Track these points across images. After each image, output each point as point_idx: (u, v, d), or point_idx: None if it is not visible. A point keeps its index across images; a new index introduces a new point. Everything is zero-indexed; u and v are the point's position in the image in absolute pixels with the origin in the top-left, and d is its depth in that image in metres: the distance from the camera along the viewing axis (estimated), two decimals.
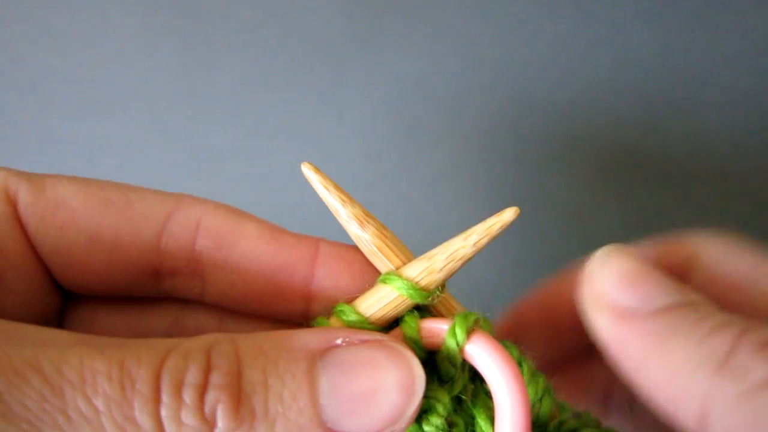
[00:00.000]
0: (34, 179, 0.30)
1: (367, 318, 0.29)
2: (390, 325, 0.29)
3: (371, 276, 0.30)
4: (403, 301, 0.29)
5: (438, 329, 0.28)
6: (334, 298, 0.30)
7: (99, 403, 0.22)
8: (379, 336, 0.27)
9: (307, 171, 0.30)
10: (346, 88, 0.68)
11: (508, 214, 0.28)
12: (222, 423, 0.23)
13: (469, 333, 0.28)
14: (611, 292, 0.29)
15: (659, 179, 0.73)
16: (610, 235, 0.72)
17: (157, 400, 0.22)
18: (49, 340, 0.23)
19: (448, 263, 0.28)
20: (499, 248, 0.70)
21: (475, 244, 0.28)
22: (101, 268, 0.30)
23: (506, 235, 0.76)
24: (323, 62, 0.68)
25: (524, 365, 0.29)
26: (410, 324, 0.28)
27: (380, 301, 0.29)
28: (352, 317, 0.29)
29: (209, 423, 0.23)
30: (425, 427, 0.27)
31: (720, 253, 0.32)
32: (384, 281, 0.29)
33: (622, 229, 0.73)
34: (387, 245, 0.29)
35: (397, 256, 0.29)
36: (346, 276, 0.31)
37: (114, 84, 0.66)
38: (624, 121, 0.72)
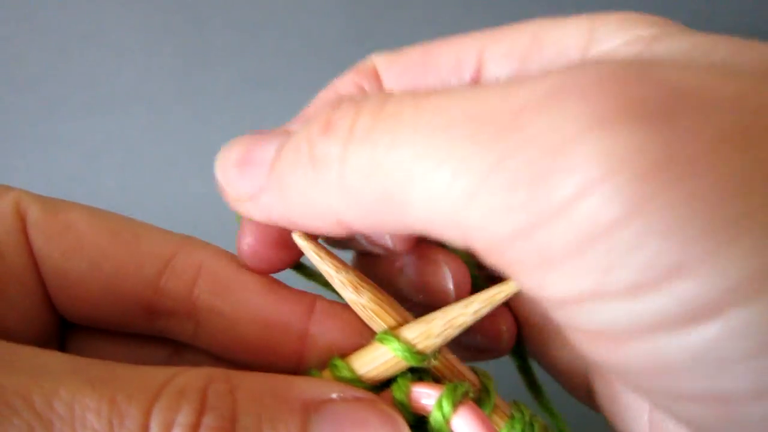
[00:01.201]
0: (47, 202, 0.30)
1: (360, 376, 0.29)
2: (383, 383, 0.29)
3: (366, 337, 0.30)
4: (398, 362, 0.28)
5: (427, 397, 0.28)
6: (327, 355, 0.30)
7: None
8: (372, 396, 0.28)
9: (299, 240, 0.30)
10: None
11: (512, 287, 0.27)
12: None
13: (457, 406, 0.27)
14: (236, 183, 0.29)
15: None
16: None
17: None
18: (43, 368, 0.23)
19: (446, 329, 0.28)
20: None
21: (475, 313, 0.28)
22: (98, 297, 0.30)
23: None
24: (323, 62, 0.68)
25: (535, 425, 0.29)
26: (401, 387, 0.28)
27: (375, 360, 0.29)
28: (346, 374, 0.29)
29: None
30: None
31: (394, 58, 0.35)
32: (380, 341, 0.29)
33: None
34: (384, 309, 0.29)
35: (395, 320, 0.29)
36: (340, 335, 0.31)
37: (114, 84, 0.66)
38: None
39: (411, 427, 0.27)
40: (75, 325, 0.32)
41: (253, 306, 0.31)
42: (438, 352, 0.29)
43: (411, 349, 0.28)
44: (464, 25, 0.69)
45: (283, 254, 0.31)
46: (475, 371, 0.31)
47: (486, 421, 0.28)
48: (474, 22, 0.73)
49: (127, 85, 0.66)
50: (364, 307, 0.29)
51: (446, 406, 0.27)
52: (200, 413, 0.23)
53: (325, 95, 0.35)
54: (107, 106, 0.66)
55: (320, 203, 0.25)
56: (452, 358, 0.30)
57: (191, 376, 0.24)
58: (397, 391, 0.28)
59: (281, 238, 0.31)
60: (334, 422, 0.25)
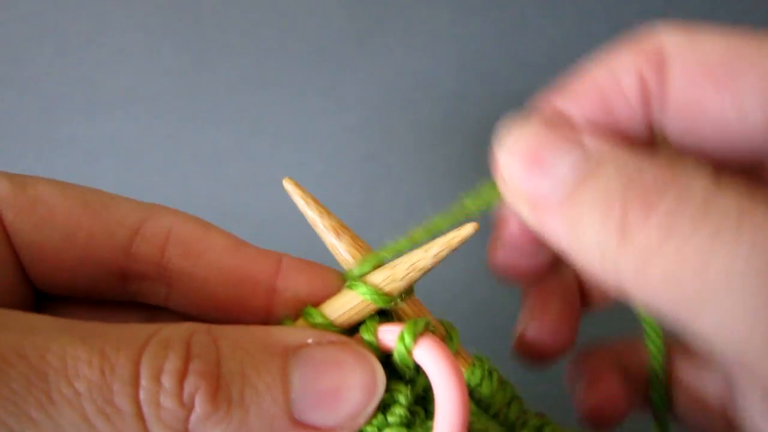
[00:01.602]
0: (16, 177, 0.32)
1: (332, 321, 0.31)
2: (354, 328, 0.31)
3: (331, 288, 0.32)
4: (367, 305, 0.31)
5: (391, 333, 0.30)
6: (295, 308, 0.32)
7: (80, 386, 0.23)
8: (344, 338, 0.30)
9: (288, 186, 0.33)
10: (346, 88, 0.68)
11: (468, 229, 0.30)
12: (200, 408, 0.24)
13: (418, 338, 0.30)
14: (520, 180, 0.28)
15: None
16: None
17: (135, 385, 0.24)
18: (34, 327, 0.24)
19: (409, 273, 0.30)
20: None
21: (435, 256, 0.30)
22: (72, 266, 0.31)
23: None
24: (323, 62, 0.68)
25: (494, 374, 0.32)
26: (369, 327, 0.31)
27: (345, 305, 0.31)
28: (318, 320, 0.31)
29: (187, 407, 0.24)
30: (389, 418, 0.29)
31: (689, 47, 0.30)
32: (350, 287, 0.31)
33: None
34: (360, 253, 0.32)
35: (371, 264, 0.32)
36: (306, 289, 0.32)
37: (114, 84, 0.66)
38: None
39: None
40: (49, 297, 0.33)
41: (222, 266, 0.32)
42: (404, 295, 0.31)
43: (378, 292, 0.30)
44: (464, 25, 0.69)
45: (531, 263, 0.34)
46: (441, 322, 0.32)
47: (446, 350, 0.29)
48: (474, 22, 0.73)
49: (127, 85, 0.66)
50: (342, 250, 0.32)
51: (407, 338, 0.29)
52: (186, 360, 0.25)
53: (599, 76, 0.31)
54: (107, 106, 0.66)
55: (609, 264, 0.25)
56: (418, 302, 0.32)
57: (175, 329, 0.26)
58: (365, 332, 0.30)
59: (533, 246, 0.33)
60: (312, 364, 0.27)
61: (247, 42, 0.67)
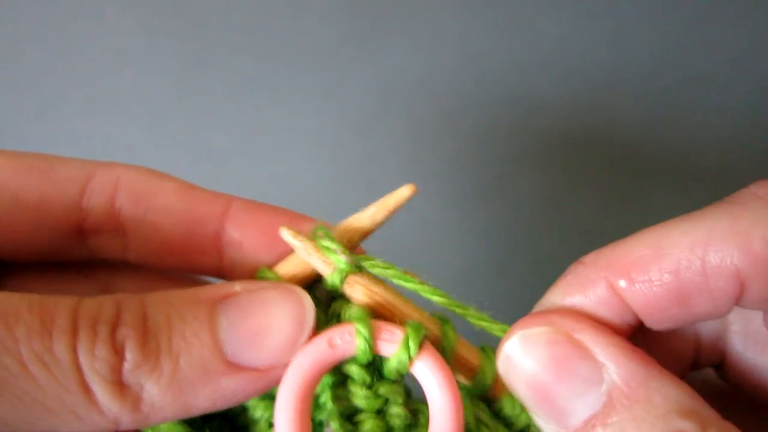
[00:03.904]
0: None
1: (289, 274, 0.31)
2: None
3: (279, 230, 0.32)
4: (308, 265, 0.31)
5: (390, 336, 0.29)
6: (245, 250, 0.33)
7: (20, 333, 0.24)
8: (274, 282, 0.30)
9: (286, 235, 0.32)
10: (346, 88, 0.68)
11: (404, 191, 0.31)
12: (130, 356, 0.25)
13: (421, 348, 0.28)
14: (528, 402, 0.28)
15: (659, 179, 0.73)
16: (609, 234, 0.72)
17: (74, 334, 0.24)
18: None
19: (348, 233, 0.31)
20: (500, 246, 0.70)
21: (371, 216, 0.31)
22: (27, 228, 0.32)
23: (507, 232, 0.76)
24: (323, 61, 0.68)
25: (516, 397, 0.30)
26: (364, 322, 0.29)
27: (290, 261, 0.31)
28: (272, 276, 0.31)
29: (119, 356, 0.25)
30: (392, 421, 0.29)
31: None
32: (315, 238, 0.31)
33: (622, 229, 0.73)
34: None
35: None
36: (255, 230, 0.33)
37: (114, 84, 0.66)
38: (624, 121, 0.72)
39: (365, 365, 0.29)
40: (4, 271, 0.34)
41: (171, 209, 0.33)
42: (352, 264, 0.30)
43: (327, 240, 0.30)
44: (464, 25, 0.69)
45: None
46: (434, 315, 0.31)
47: (446, 367, 0.28)
48: (474, 22, 0.73)
49: (127, 85, 0.66)
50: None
51: (413, 347, 0.28)
52: (117, 314, 0.26)
53: (683, 265, 0.29)
54: (107, 106, 0.66)
55: None
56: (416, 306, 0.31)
57: (105, 296, 0.27)
58: (359, 324, 0.28)
59: None
60: (239, 307, 0.28)
61: (247, 42, 0.67)
